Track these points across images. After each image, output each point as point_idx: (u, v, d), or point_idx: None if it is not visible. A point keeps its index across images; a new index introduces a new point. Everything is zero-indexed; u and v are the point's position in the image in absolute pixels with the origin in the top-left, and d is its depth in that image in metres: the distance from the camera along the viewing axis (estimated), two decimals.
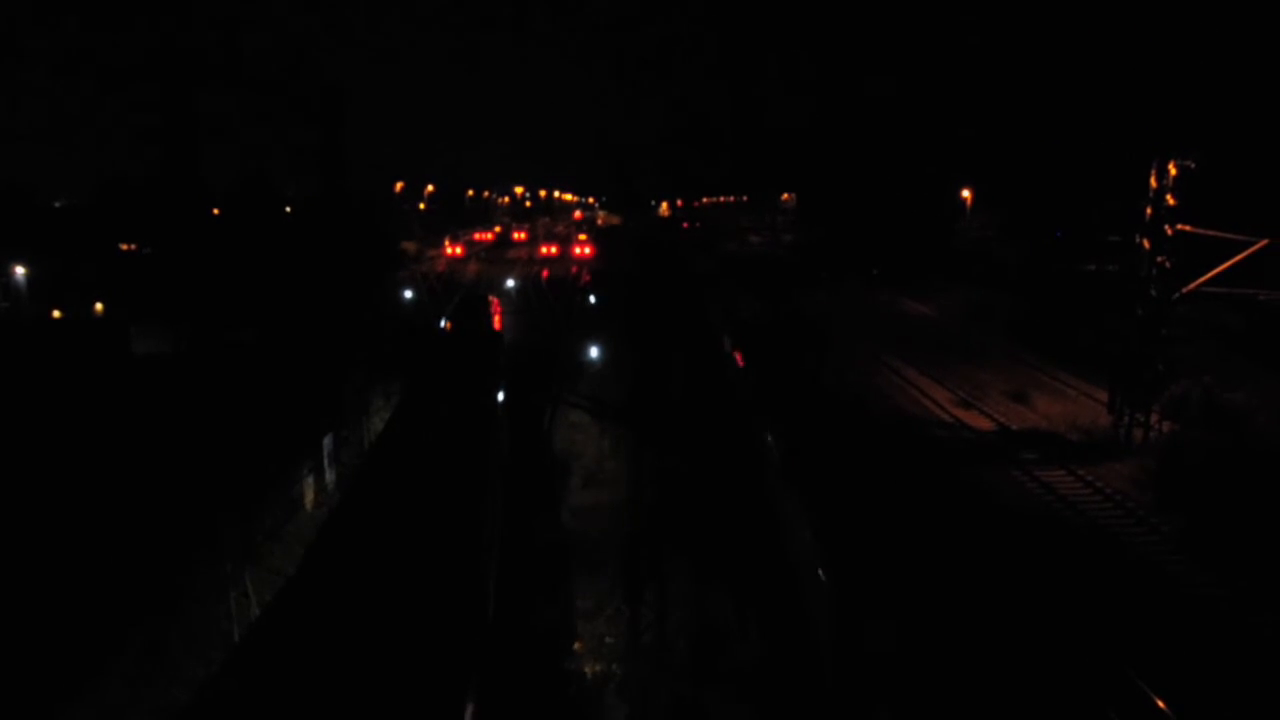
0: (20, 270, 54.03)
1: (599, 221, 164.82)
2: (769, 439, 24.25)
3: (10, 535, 20.94)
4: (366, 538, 16.79)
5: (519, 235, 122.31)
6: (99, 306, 51.61)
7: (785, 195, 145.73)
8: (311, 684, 12.24)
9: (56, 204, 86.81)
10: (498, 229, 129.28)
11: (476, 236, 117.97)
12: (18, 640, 17.46)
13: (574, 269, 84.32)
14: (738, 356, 34.31)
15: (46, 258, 55.76)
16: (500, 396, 27.66)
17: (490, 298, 50.88)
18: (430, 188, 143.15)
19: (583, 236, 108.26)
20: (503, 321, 47.68)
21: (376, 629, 13.41)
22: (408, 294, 62.61)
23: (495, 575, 18.66)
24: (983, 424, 32.33)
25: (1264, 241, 26.67)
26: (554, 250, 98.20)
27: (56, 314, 49.49)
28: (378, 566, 15.36)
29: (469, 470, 19.97)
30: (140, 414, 29.42)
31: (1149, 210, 28.21)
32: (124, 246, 68.29)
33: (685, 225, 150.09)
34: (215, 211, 77.87)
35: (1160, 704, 14.22)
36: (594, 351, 43.90)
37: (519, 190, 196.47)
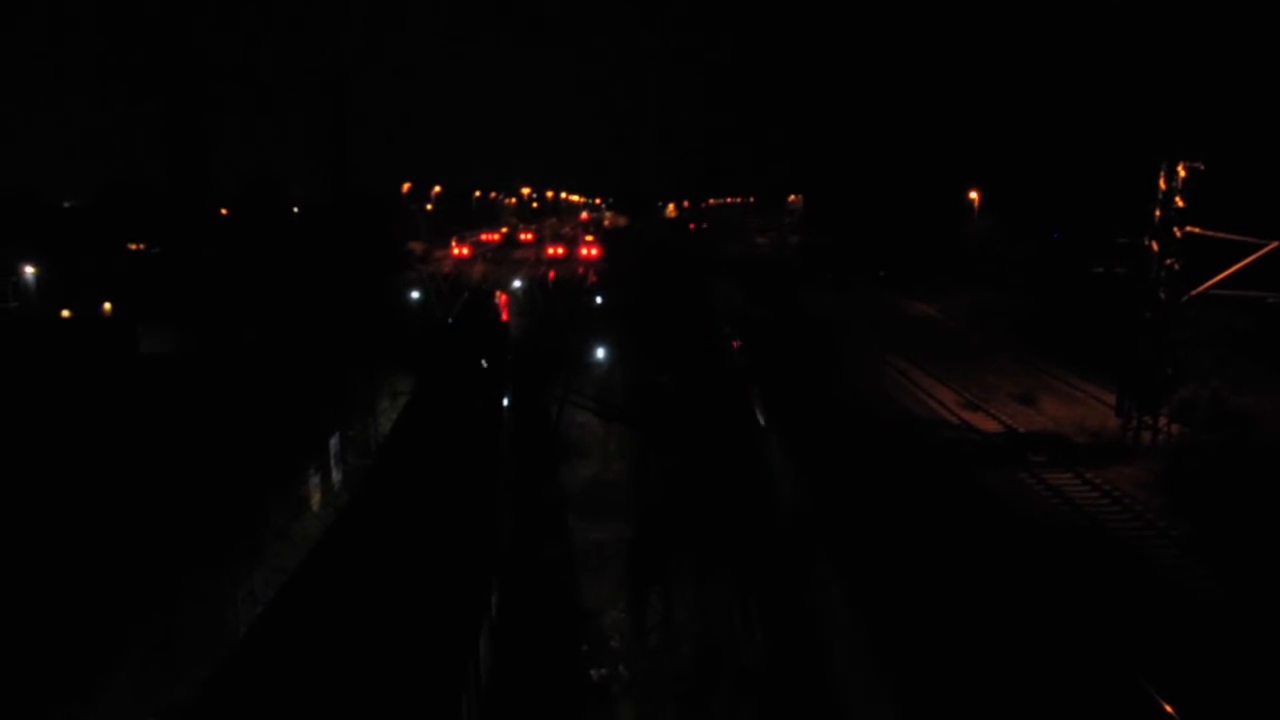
0: (29, 270, 54.26)
1: (605, 223, 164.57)
2: (772, 439, 24.25)
3: (16, 534, 21.00)
4: (392, 502, 17.69)
5: (526, 236, 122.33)
6: (107, 306, 51.77)
7: (792, 197, 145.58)
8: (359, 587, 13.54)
9: (65, 204, 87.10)
10: (504, 230, 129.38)
11: (483, 237, 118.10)
12: (22, 639, 17.51)
13: (580, 270, 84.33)
14: (740, 353, 34.31)
15: (55, 258, 55.97)
16: (505, 395, 27.86)
17: (497, 293, 51.15)
18: (437, 188, 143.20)
19: (589, 238, 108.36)
20: (509, 319, 47.84)
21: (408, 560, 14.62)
22: (415, 294, 62.71)
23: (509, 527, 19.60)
24: (990, 426, 32.22)
25: (1274, 244, 26.52)
26: (560, 251, 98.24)
27: (65, 313, 49.63)
28: (408, 520, 16.37)
29: (481, 444, 20.60)
30: (147, 414, 29.49)
31: (1158, 212, 28.04)
32: (132, 246, 68.56)
33: (692, 226, 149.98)
34: (223, 212, 78.21)
35: (1168, 709, 14.13)
36: (600, 352, 43.91)
37: (526, 191, 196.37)
